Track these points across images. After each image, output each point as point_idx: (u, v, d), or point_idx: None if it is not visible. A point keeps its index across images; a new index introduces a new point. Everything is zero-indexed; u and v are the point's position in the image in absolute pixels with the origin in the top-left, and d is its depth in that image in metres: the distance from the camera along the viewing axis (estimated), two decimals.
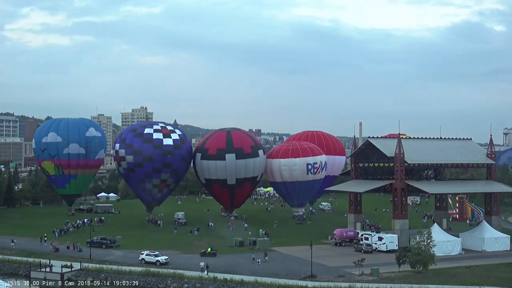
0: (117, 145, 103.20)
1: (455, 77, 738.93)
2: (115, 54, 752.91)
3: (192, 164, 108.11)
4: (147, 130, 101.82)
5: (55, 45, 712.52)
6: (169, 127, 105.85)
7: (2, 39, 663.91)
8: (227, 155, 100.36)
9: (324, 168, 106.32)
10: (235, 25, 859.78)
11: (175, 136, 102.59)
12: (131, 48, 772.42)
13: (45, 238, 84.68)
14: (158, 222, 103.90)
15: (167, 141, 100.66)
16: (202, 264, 64.72)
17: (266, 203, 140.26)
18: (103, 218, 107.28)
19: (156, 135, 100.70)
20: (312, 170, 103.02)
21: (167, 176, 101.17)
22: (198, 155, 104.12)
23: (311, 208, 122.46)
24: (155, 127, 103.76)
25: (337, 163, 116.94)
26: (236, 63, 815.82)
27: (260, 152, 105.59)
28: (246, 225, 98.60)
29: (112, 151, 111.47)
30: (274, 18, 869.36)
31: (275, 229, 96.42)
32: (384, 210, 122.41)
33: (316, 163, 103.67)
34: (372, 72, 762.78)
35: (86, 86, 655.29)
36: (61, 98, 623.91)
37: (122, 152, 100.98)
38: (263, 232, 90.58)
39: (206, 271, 63.37)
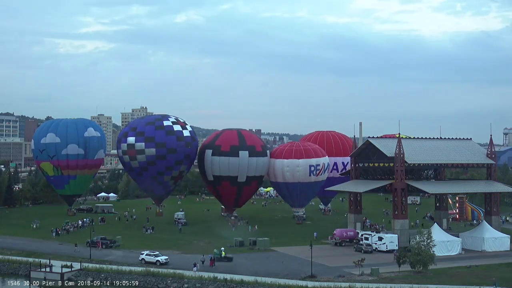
0: (131, 138, 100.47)
1: (459, 81, 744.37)
2: (144, 59, 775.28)
3: (196, 162, 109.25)
4: (166, 123, 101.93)
5: (87, 51, 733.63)
6: (181, 119, 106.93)
7: (33, 43, 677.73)
8: (240, 152, 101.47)
9: (327, 170, 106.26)
10: (265, 32, 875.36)
11: (189, 128, 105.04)
12: (165, 54, 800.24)
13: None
14: (134, 217, 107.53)
15: (186, 133, 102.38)
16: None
17: (267, 203, 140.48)
18: (104, 217, 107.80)
19: (176, 127, 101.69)
20: (314, 172, 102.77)
21: (185, 167, 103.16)
22: (208, 151, 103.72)
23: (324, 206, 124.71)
24: (170, 119, 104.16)
25: (346, 164, 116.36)
26: (247, 66, 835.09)
27: (268, 152, 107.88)
28: (233, 229, 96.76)
29: (112, 151, 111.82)
30: (305, 25, 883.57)
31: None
32: (384, 210, 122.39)
33: (319, 164, 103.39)
34: (383, 76, 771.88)
35: (94, 88, 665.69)
36: (62, 98, 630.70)
37: (140, 145, 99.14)
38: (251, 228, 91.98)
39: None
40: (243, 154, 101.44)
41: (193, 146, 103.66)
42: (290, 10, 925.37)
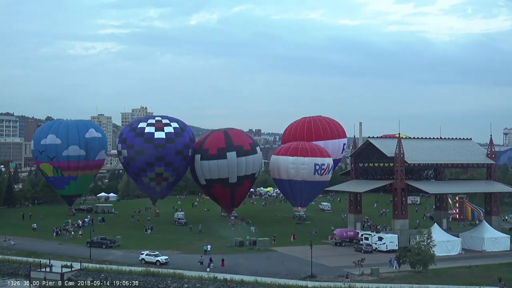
0: (117, 139, 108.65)
1: (461, 82, 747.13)
2: (152, 60, 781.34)
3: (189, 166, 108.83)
4: (140, 125, 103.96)
5: (95, 52, 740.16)
6: (165, 121, 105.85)
7: (44, 44, 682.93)
8: (228, 154, 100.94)
9: (331, 170, 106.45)
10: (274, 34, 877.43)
11: (169, 129, 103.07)
12: (172, 55, 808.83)
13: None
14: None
15: (159, 135, 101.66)
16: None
17: (267, 203, 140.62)
18: (105, 217, 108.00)
19: (148, 129, 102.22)
20: (319, 171, 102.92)
21: (162, 169, 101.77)
22: (197, 156, 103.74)
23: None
24: (149, 121, 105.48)
25: (336, 147, 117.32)
26: (253, 67, 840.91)
27: (258, 149, 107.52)
28: (232, 228, 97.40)
29: (112, 151, 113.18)
30: (315, 27, 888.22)
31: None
32: (384, 210, 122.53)
33: (324, 164, 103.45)
34: (388, 78, 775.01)
35: (97, 89, 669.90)
36: (64, 99, 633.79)
37: (119, 146, 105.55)
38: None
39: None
40: (231, 155, 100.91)
41: (169, 148, 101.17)
42: (304, 13, 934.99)
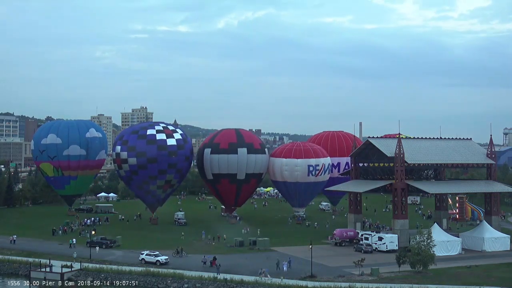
0: (118, 147, 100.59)
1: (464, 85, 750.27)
2: (163, 62, 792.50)
3: (195, 162, 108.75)
4: (149, 131, 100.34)
5: (110, 55, 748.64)
6: (170, 127, 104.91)
7: (60, 46, 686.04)
8: (239, 149, 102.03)
9: (327, 171, 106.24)
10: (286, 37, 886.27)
11: (177, 136, 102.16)
12: (185, 58, 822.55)
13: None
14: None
15: (171, 142, 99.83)
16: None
17: (267, 203, 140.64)
18: (108, 217, 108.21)
19: (160, 136, 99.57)
20: (313, 172, 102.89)
21: (172, 176, 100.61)
22: (207, 150, 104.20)
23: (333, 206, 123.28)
24: (157, 127, 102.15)
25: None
26: (262, 69, 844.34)
27: (266, 150, 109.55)
28: (245, 231, 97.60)
29: (111, 152, 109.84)
30: (332, 31, 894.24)
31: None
32: (384, 210, 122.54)
33: (318, 165, 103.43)
34: (391, 79, 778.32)
35: (103, 90, 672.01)
36: (64, 99, 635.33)
37: (124, 154, 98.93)
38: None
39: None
40: (242, 151, 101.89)
41: (180, 154, 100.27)
42: (327, 18, 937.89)
